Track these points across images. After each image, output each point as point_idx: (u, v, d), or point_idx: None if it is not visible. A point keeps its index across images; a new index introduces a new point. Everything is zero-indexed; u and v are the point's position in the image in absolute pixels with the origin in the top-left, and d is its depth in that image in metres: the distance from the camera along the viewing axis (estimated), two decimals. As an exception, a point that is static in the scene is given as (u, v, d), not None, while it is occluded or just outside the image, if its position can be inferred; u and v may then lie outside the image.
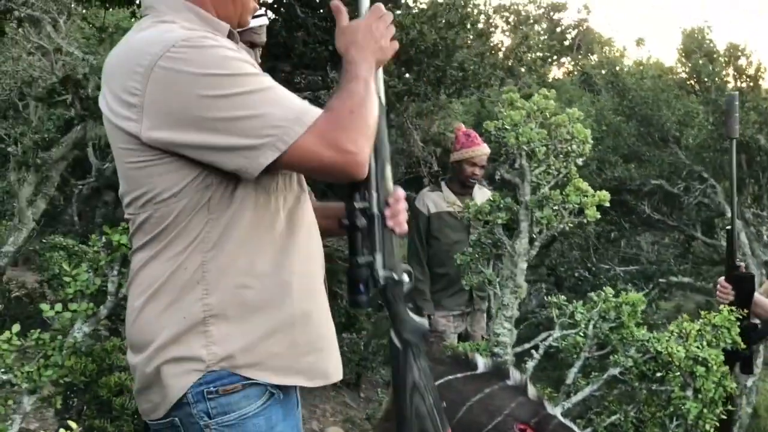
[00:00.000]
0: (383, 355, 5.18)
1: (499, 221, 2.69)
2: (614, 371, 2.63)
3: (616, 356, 2.63)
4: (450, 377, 2.51)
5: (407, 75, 4.54)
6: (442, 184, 4.22)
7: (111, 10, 5.00)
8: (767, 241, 6.11)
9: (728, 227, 3.07)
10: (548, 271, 7.71)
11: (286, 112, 1.24)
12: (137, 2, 4.26)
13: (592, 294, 2.81)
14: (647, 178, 6.60)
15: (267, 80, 1.27)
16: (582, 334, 2.75)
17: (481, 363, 2.55)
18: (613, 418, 2.61)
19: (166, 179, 1.28)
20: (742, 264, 3.05)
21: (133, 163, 1.29)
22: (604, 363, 2.82)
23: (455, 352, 2.65)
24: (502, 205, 2.72)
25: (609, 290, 2.78)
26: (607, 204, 2.56)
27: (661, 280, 6.82)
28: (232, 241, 1.31)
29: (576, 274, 6.82)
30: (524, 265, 2.68)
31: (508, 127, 2.60)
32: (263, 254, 1.34)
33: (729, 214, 6.58)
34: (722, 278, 3.01)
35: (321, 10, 3.74)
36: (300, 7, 3.89)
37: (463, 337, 4.25)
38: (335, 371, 1.47)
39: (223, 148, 1.23)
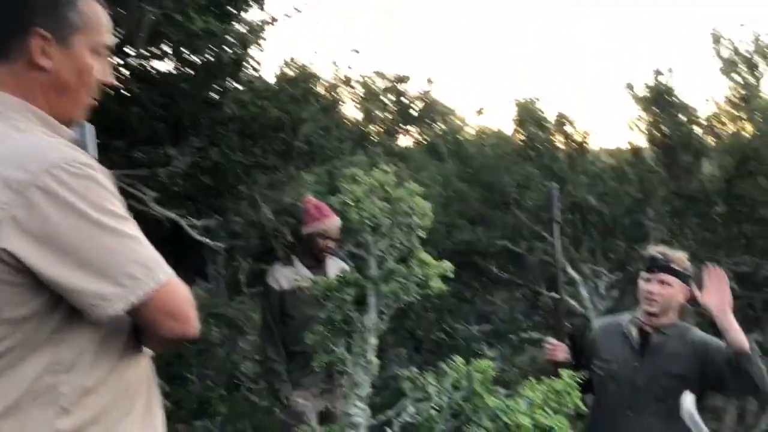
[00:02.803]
0: (241, 438, 4.92)
1: (348, 297, 2.64)
2: (469, 442, 2.61)
3: (469, 427, 2.62)
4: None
5: (254, 149, 4.48)
6: (294, 258, 4.14)
7: None
8: (603, 294, 6.53)
9: (558, 297, 3.35)
10: (407, 335, 7.78)
11: (146, 262, 1.24)
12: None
13: (443, 364, 2.81)
14: (493, 239, 6.91)
15: (134, 226, 1.27)
16: (436, 407, 2.72)
17: (336, 447, 2.45)
18: (471, 491, 2.58)
19: (17, 297, 1.19)
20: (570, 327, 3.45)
21: None
22: (461, 433, 2.80)
23: (309, 439, 2.52)
24: (350, 281, 2.68)
25: (459, 359, 2.79)
26: (452, 274, 2.59)
27: (512, 336, 7.08)
28: (85, 362, 1.26)
29: (433, 336, 6.92)
30: (375, 341, 2.63)
31: (350, 202, 2.59)
32: (113, 369, 1.31)
33: (569, 270, 7.02)
34: (552, 339, 3.23)
35: (158, 86, 3.62)
36: (136, 82, 3.74)
37: (324, 415, 4.11)
38: None
39: (76, 290, 1.19)
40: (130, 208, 1.32)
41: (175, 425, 4.99)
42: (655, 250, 3.25)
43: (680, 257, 3.23)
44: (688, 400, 1.52)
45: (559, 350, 3.20)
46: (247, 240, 5.79)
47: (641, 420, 3.10)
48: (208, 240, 4.05)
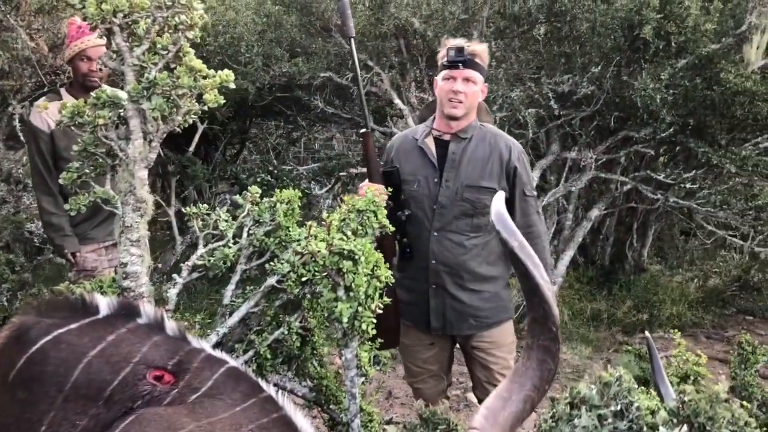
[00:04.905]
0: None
1: (102, 121, 2.09)
2: (272, 280, 2.28)
3: (272, 263, 2.27)
4: (60, 331, 1.92)
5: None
6: (62, 90, 3.43)
7: None
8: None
9: (363, 131, 2.94)
10: (232, 181, 7.29)
11: None
12: None
13: (237, 197, 2.40)
14: (316, 71, 6.37)
15: None
16: (230, 245, 2.34)
17: (104, 304, 2.00)
18: (277, 333, 2.28)
19: None
20: (382, 163, 3.04)
21: None
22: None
23: (68, 297, 2.04)
24: (104, 101, 2.11)
25: (255, 189, 2.39)
26: (233, 85, 2.10)
27: (342, 173, 6.81)
28: None
29: (258, 179, 6.47)
30: (144, 174, 2.14)
31: (89, -6, 1.96)
32: None
33: (396, 101, 6.72)
34: (365, 182, 2.87)
35: None
36: None
37: (124, 269, 3.63)
38: None
39: None
40: None
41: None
42: (456, 42, 2.88)
43: (484, 49, 2.89)
44: (497, 199, 1.20)
45: (377, 192, 2.81)
46: (19, 80, 4.85)
47: (446, 238, 2.86)
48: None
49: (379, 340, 2.90)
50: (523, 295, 1.17)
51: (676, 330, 1.74)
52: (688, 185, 6.00)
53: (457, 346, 3.17)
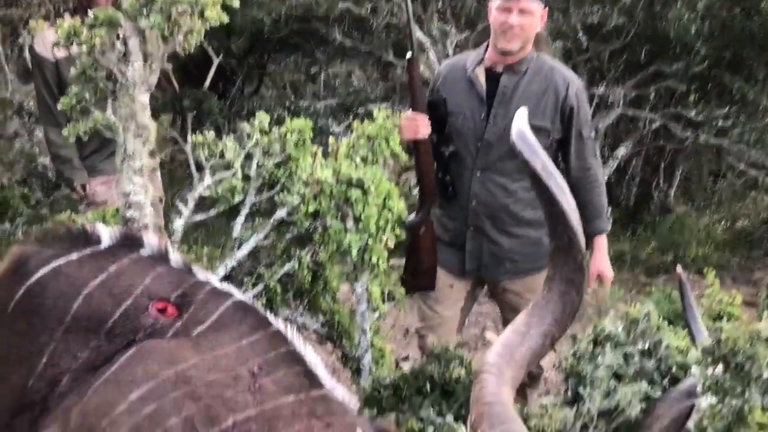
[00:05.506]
0: None
1: (98, 41, 1.97)
2: (281, 213, 2.19)
3: (281, 195, 2.18)
4: (59, 261, 1.85)
5: None
6: (66, 15, 3.30)
7: None
8: (451, 56, 6.11)
9: (408, 55, 2.74)
10: (249, 117, 7.16)
11: None
12: None
13: (245, 125, 2.29)
14: (334, 2, 6.15)
15: None
16: (240, 177, 2.24)
17: (106, 234, 1.92)
18: (287, 266, 2.20)
19: None
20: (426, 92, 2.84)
21: None
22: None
23: (70, 227, 1.97)
24: (102, 20, 1.99)
25: (264, 116, 2.27)
26: (236, 3, 1.96)
27: (360, 109, 6.65)
28: None
29: (275, 115, 6.32)
30: (145, 98, 2.03)
31: None
32: None
33: (417, 33, 6.48)
34: (409, 112, 2.71)
35: None
36: None
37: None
38: None
39: None
40: None
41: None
42: None
43: None
44: (520, 115, 1.07)
45: (421, 123, 2.64)
46: (28, 8, 4.72)
47: (490, 180, 2.71)
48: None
49: (414, 281, 2.82)
50: (546, 221, 1.06)
51: (710, 268, 1.62)
52: (720, 123, 5.76)
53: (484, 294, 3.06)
